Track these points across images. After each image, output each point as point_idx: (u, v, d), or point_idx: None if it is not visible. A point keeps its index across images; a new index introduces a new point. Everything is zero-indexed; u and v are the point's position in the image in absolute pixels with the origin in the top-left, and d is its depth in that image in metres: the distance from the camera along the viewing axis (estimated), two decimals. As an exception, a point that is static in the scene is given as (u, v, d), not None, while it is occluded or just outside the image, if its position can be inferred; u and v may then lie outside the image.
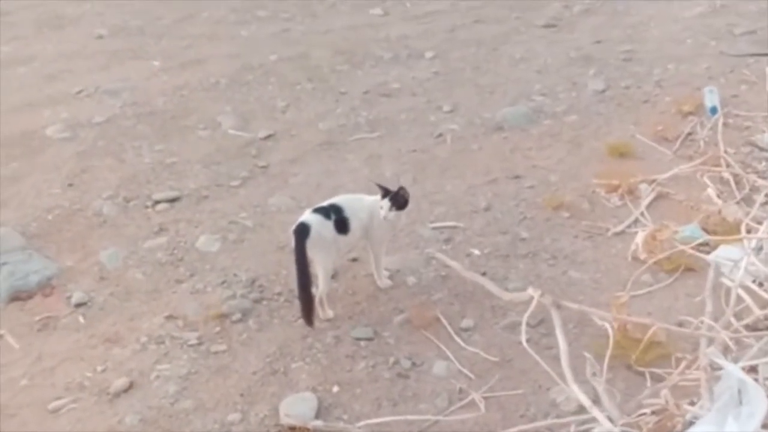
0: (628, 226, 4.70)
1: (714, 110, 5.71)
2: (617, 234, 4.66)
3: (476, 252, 4.54)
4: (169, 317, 4.09)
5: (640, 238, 4.42)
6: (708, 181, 5.00)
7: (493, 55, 7.11)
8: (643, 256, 4.35)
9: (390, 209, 4.03)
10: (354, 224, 4.05)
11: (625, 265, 4.38)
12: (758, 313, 3.61)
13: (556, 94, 6.28)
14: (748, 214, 4.50)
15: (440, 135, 5.79)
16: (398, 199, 4.06)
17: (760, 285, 3.92)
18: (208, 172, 5.42)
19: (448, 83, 6.60)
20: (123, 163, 5.55)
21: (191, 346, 3.91)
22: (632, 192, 4.97)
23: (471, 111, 6.09)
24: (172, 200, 5.10)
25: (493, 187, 5.14)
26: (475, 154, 5.54)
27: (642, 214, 4.77)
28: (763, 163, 5.17)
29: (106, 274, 4.48)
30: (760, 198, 4.65)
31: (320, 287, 4.01)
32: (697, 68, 6.52)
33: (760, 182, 4.83)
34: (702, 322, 3.52)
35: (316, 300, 4.00)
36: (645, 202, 4.88)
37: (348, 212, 4.05)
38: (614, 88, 6.30)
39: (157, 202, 5.08)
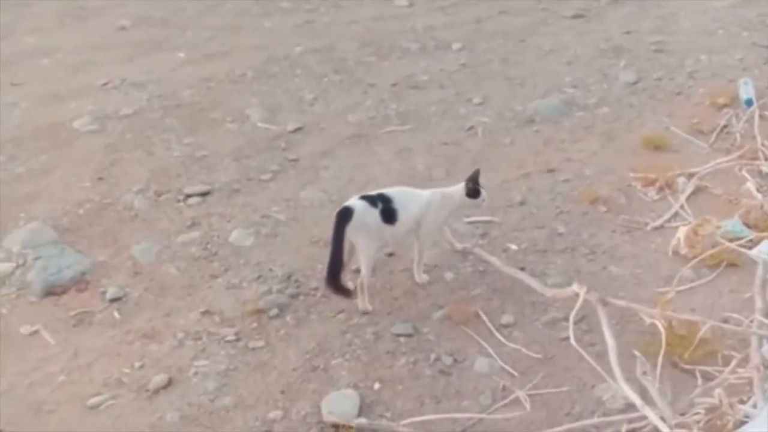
0: (667, 221, 4.65)
1: (749, 102, 5.63)
2: (656, 228, 4.61)
3: (513, 247, 4.49)
4: (206, 312, 4.05)
5: (681, 233, 4.37)
6: (747, 175, 4.94)
7: (520, 46, 7.04)
8: (684, 251, 4.29)
9: (464, 194, 4.16)
10: (402, 216, 4.03)
11: (666, 260, 4.33)
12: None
13: (588, 86, 6.21)
14: (791, 208, 4.45)
15: (471, 128, 5.73)
16: (469, 188, 4.16)
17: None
18: (239, 166, 5.37)
19: (477, 75, 6.54)
20: (152, 156, 5.50)
21: (229, 342, 3.87)
22: (670, 186, 4.92)
23: (501, 103, 6.03)
24: (204, 194, 5.04)
25: (527, 181, 5.08)
26: (507, 148, 5.48)
27: (681, 207, 4.71)
28: (803, 155, 5.10)
29: (139, 268, 4.43)
30: (802, 191, 4.58)
31: (362, 273, 4.01)
32: (730, 59, 6.45)
33: (802, 176, 4.76)
34: (752, 321, 3.46)
35: (357, 285, 4.02)
36: (683, 196, 4.82)
37: (397, 204, 4.03)
38: (646, 79, 6.23)
39: (189, 195, 5.03)
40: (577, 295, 3.50)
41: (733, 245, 4.14)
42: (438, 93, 6.28)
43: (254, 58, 6.99)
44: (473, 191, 4.16)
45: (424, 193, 4.17)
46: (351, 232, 3.92)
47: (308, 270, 4.33)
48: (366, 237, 3.97)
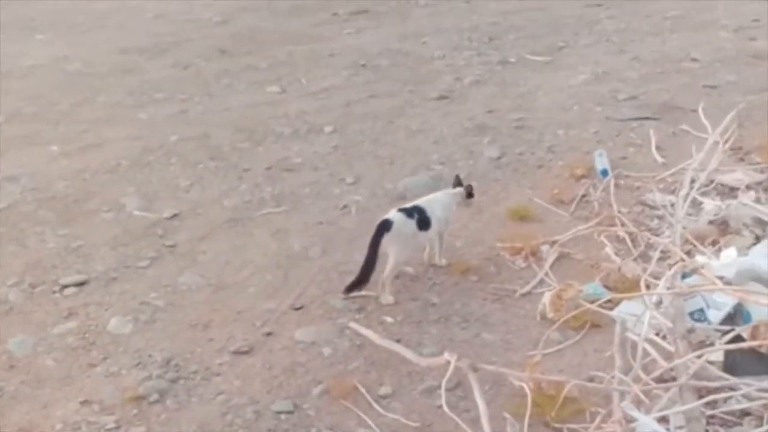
0: (534, 287, 4.86)
1: (605, 172, 5.97)
2: (524, 295, 4.81)
3: (389, 319, 4.62)
4: (85, 402, 4.03)
5: (546, 298, 4.58)
6: (605, 240, 5.21)
7: (390, 127, 7.29)
8: (550, 315, 4.50)
9: (464, 196, 5.17)
10: (434, 222, 4.86)
11: (534, 324, 4.52)
12: (664, 364, 3.77)
13: (454, 162, 6.47)
14: (645, 270, 4.71)
15: (345, 206, 5.89)
16: (469, 190, 5.20)
17: (663, 337, 4.10)
18: (116, 254, 5.38)
19: (349, 156, 6.73)
20: (26, 249, 5.46)
21: (109, 430, 3.85)
22: (535, 254, 5.14)
23: (373, 182, 6.22)
24: (80, 284, 5.03)
25: (401, 256, 5.24)
26: (380, 224, 5.65)
27: (546, 274, 4.94)
28: (656, 221, 5.42)
29: (15, 362, 4.38)
30: (656, 254, 4.86)
31: (387, 271, 4.71)
32: (585, 133, 6.82)
33: (654, 239, 5.06)
34: (613, 377, 3.67)
35: (380, 281, 4.71)
36: (548, 263, 5.06)
37: (429, 212, 4.85)
38: (509, 154, 6.53)
39: (65, 286, 5.01)
40: (449, 362, 3.65)
41: (594, 307, 4.38)
42: (312, 174, 6.44)
43: (129, 149, 7.04)
44: (471, 193, 5.21)
45: (443, 197, 5.07)
46: (388, 240, 4.66)
47: (188, 354, 4.36)
48: (402, 244, 4.73)
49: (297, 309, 4.74)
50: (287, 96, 8.27)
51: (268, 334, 4.52)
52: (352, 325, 4.47)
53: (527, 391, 3.69)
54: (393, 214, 4.76)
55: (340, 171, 6.46)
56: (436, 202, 4.99)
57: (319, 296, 4.84)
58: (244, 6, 11.89)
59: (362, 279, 4.69)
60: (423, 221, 4.82)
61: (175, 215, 5.88)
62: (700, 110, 5.56)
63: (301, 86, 8.52)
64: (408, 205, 4.92)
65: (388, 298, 4.72)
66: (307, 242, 5.45)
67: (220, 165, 6.68)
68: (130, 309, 4.79)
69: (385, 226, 4.67)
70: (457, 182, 5.27)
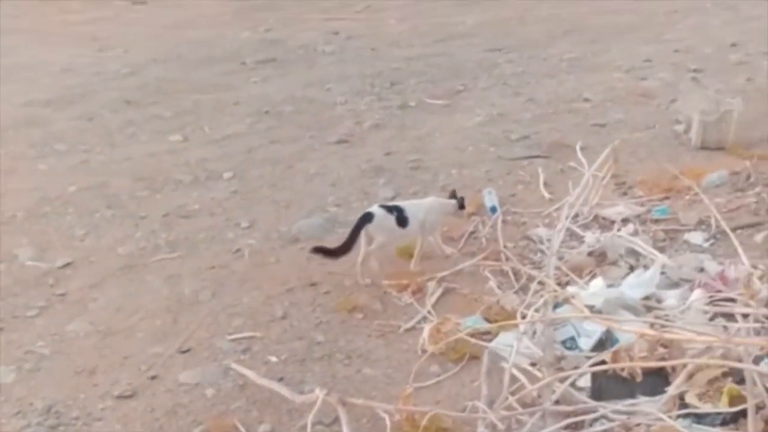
0: (418, 322, 4.96)
1: (494, 209, 6.14)
2: (408, 330, 4.91)
3: (273, 359, 4.68)
4: (-38, 453, 4.02)
5: (425, 333, 4.70)
6: (489, 275, 5.36)
7: (289, 172, 7.39)
8: (430, 348, 4.61)
9: (457, 207, 5.72)
10: (412, 222, 5.43)
11: (416, 358, 4.61)
12: (530, 387, 3.91)
13: (350, 204, 6.58)
14: (523, 302, 4.87)
15: (238, 250, 5.95)
16: (461, 202, 5.75)
17: (534, 365, 4.25)
18: (4, 305, 5.36)
19: (246, 201, 6.81)
20: None
21: (-15, 479, 3.85)
22: (421, 290, 5.26)
23: (268, 226, 6.30)
24: (-34, 336, 5.02)
25: (290, 296, 5.32)
26: (272, 266, 5.73)
27: (429, 310, 5.06)
28: (539, 255, 5.59)
29: None
30: (533, 286, 5.01)
31: (371, 248, 5.35)
32: (477, 172, 6.99)
33: (535, 272, 5.22)
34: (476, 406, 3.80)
35: (360, 256, 5.35)
36: (432, 298, 5.18)
37: (408, 213, 5.43)
38: (403, 195, 6.65)
39: (-51, 338, 4.99)
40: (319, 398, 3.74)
41: (470, 338, 4.51)
42: (208, 220, 6.50)
43: (26, 200, 7.02)
44: (463, 205, 5.76)
45: (431, 203, 5.64)
46: (372, 230, 5.30)
47: (70, 400, 4.37)
48: (383, 234, 5.35)
49: (183, 352, 4.79)
50: (189, 144, 8.33)
51: (153, 377, 4.55)
52: (234, 365, 4.53)
53: (387, 422, 3.77)
54: (374, 208, 5.41)
55: (236, 216, 6.53)
56: (421, 205, 5.60)
57: (207, 339, 4.90)
58: (154, 58, 11.95)
59: (336, 252, 5.33)
60: (401, 219, 5.39)
61: (68, 264, 5.88)
62: (577, 148, 5.76)
63: (204, 134, 8.59)
64: (390, 203, 5.66)
65: (364, 280, 5.37)
66: (199, 286, 5.50)
67: (117, 213, 6.70)
68: (15, 358, 4.78)
69: (366, 218, 5.31)
70: (452, 195, 5.78)
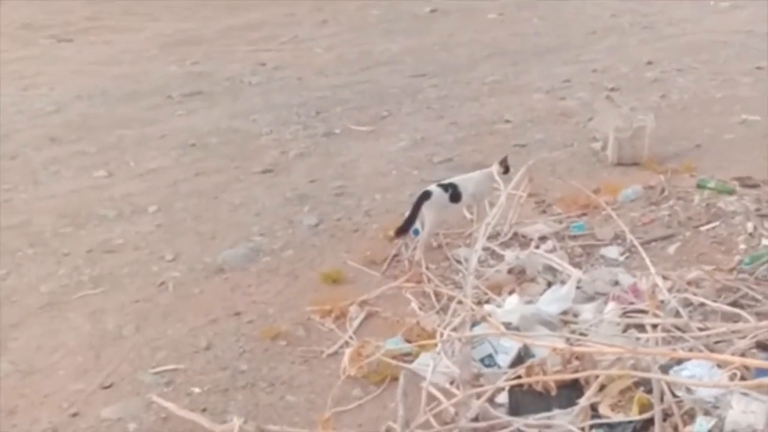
0: (341, 347, 5.01)
1: (416, 232, 6.19)
2: (331, 355, 4.96)
3: (197, 390, 4.69)
4: None
5: (346, 357, 4.75)
6: (411, 297, 5.43)
7: (213, 203, 7.40)
8: (352, 372, 4.66)
9: (501, 171, 6.01)
10: (464, 197, 5.95)
11: (339, 383, 4.66)
12: (445, 404, 3.98)
13: (274, 232, 6.62)
14: (443, 322, 4.95)
15: (162, 283, 5.95)
16: (504, 164, 6.08)
17: (452, 383, 4.32)
18: None
19: (171, 234, 6.80)
20: None
21: None
22: (344, 315, 5.31)
23: (193, 257, 6.30)
24: None
25: (214, 327, 5.33)
26: (197, 297, 5.74)
27: (351, 335, 5.10)
28: (460, 275, 5.67)
29: None
30: (453, 305, 5.09)
31: (423, 235, 5.84)
32: (401, 195, 7.07)
33: (454, 293, 5.29)
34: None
35: (417, 241, 5.86)
36: (355, 322, 5.23)
37: (461, 188, 5.91)
38: (327, 221, 6.72)
39: None
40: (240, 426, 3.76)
41: (390, 360, 4.57)
42: (132, 254, 6.48)
43: (-55, 243, 6.93)
44: (507, 169, 6.05)
45: (478, 176, 6.08)
46: (427, 207, 5.76)
47: (-11, 442, 4.34)
48: (436, 212, 5.82)
49: (106, 387, 4.78)
50: (114, 179, 8.28)
51: (75, 414, 4.54)
52: (155, 398, 4.54)
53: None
54: (432, 188, 5.88)
55: (160, 249, 6.52)
56: (471, 180, 6.04)
57: (130, 373, 4.89)
58: (79, 94, 11.81)
59: (404, 228, 5.84)
60: (455, 195, 5.88)
61: (-12, 305, 5.83)
62: (493, 169, 5.87)
63: (128, 169, 8.55)
64: (445, 181, 6.01)
65: (420, 257, 5.78)
66: (122, 321, 5.48)
67: (39, 251, 6.65)
68: (-68, 402, 4.72)
69: (425, 196, 5.78)
70: (502, 161, 6.09)
